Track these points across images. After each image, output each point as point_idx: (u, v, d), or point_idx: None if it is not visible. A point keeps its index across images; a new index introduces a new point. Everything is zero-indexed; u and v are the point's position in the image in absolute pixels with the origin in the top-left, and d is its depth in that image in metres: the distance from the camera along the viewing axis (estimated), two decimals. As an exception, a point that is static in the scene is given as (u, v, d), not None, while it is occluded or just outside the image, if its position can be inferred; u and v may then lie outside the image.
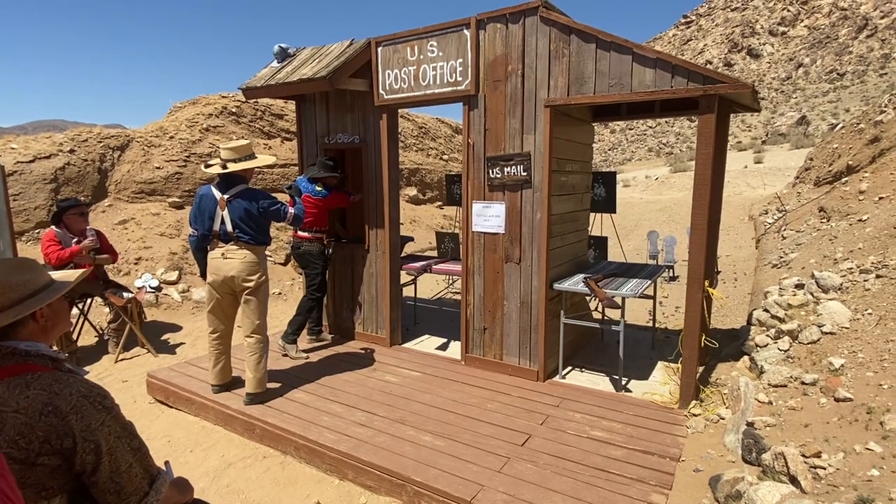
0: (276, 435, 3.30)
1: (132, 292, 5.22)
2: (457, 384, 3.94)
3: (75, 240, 4.77)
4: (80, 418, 1.28)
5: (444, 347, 4.82)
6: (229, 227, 3.46)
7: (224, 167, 3.48)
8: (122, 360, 5.02)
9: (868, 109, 11.21)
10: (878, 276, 3.98)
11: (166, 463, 1.68)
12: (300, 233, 4.54)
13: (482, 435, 3.16)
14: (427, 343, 4.95)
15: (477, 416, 3.41)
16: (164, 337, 5.69)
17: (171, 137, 8.60)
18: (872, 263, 4.30)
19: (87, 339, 5.44)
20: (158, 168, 8.07)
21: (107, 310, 5.23)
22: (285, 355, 4.50)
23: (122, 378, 4.62)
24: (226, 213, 3.46)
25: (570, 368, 4.22)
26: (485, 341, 4.24)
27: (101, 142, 7.82)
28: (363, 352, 4.67)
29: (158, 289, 6.47)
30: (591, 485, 2.63)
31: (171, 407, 4.00)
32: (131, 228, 7.26)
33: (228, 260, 3.50)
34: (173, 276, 6.75)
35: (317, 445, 3.09)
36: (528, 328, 3.99)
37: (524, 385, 3.90)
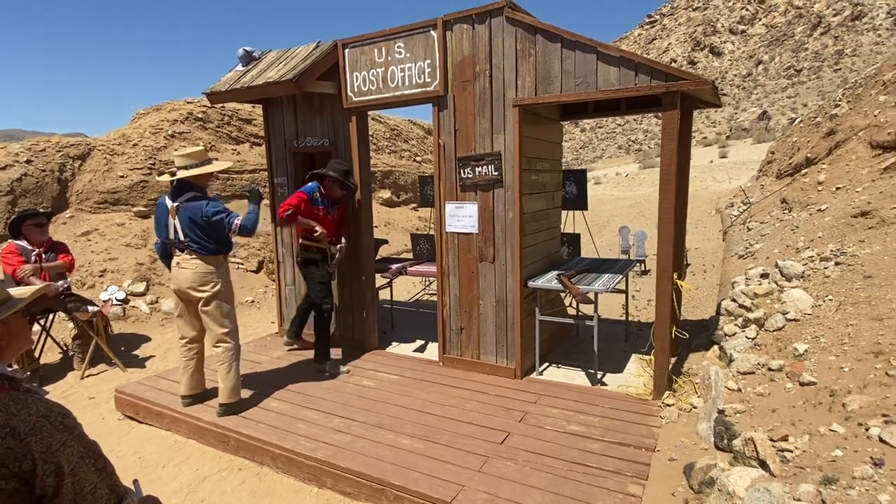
0: (251, 446, 3.24)
1: (97, 305, 5.05)
2: (435, 385, 3.94)
3: (35, 252, 4.59)
4: (40, 439, 1.22)
5: (421, 349, 4.81)
6: (181, 236, 3.43)
7: (173, 175, 3.43)
8: (88, 376, 4.85)
9: (824, 104, 11.65)
10: (836, 264, 4.13)
11: (135, 481, 1.62)
12: (301, 240, 4.22)
13: (461, 435, 3.16)
14: (404, 346, 4.93)
15: (455, 416, 3.41)
16: (133, 350, 5.52)
17: (135, 145, 8.35)
18: (831, 251, 4.47)
19: (50, 356, 5.23)
20: (122, 177, 7.83)
21: (70, 325, 5.04)
22: (325, 373, 4.28)
23: (88, 395, 4.46)
24: (176, 221, 3.42)
25: (546, 365, 4.26)
26: (462, 341, 4.25)
27: (59, 151, 7.55)
28: (339, 357, 4.61)
29: (125, 301, 6.28)
30: (569, 479, 2.66)
31: (142, 422, 3.88)
32: (95, 240, 7.02)
33: (182, 270, 3.47)
34: (141, 287, 6.55)
35: (293, 454, 3.04)
36: (505, 326, 4.01)
37: (502, 383, 3.92)
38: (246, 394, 3.75)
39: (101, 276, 6.55)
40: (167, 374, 4.35)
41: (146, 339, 5.85)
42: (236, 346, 3.59)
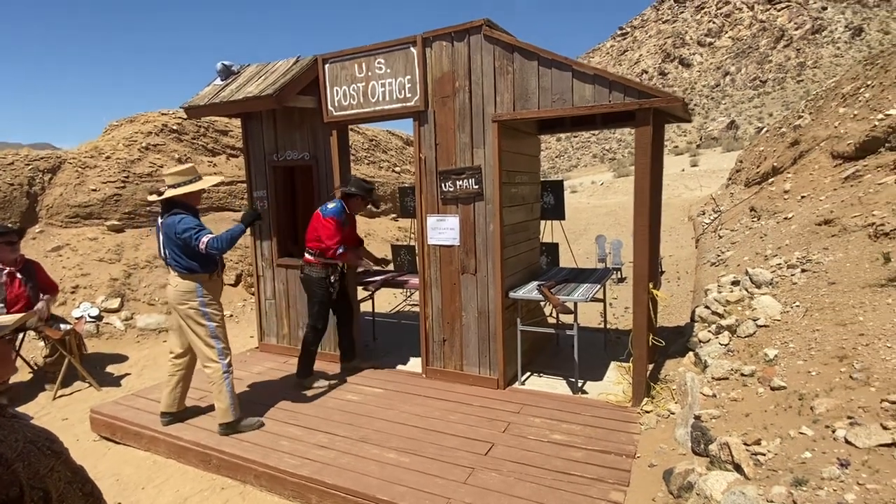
0: (233, 464, 3.20)
1: (70, 323, 4.92)
2: (419, 398, 3.95)
3: (6, 271, 4.47)
4: (27, 465, 1.21)
5: (404, 361, 4.82)
6: (165, 254, 3.44)
7: (160, 194, 3.43)
8: (60, 396, 4.71)
9: (788, 114, 12.15)
10: (803, 271, 4.31)
11: (118, 504, 1.61)
12: (305, 255, 4.13)
13: (446, 447, 3.18)
14: (387, 358, 4.93)
15: (440, 428, 3.44)
16: (108, 369, 5.39)
17: (108, 158, 8.18)
18: (798, 259, 4.66)
19: (20, 376, 5.07)
20: (95, 190, 7.66)
21: (42, 344, 4.90)
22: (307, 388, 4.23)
23: (61, 416, 4.34)
24: (161, 238, 3.46)
25: (528, 374, 4.31)
26: (445, 353, 4.28)
27: (28, 164, 7.35)
28: (322, 371, 4.59)
29: (99, 318, 6.13)
30: (553, 488, 2.71)
31: (119, 443, 3.80)
32: (66, 255, 6.84)
33: (167, 287, 3.50)
34: (115, 303, 6.40)
35: (277, 472, 3.02)
36: (487, 337, 4.06)
37: (485, 394, 3.96)
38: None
39: (73, 292, 6.38)
40: (144, 392, 4.27)
41: (122, 357, 5.71)
42: (226, 364, 3.51)
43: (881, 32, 58.37)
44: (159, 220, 3.47)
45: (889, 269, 3.64)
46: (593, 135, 63.52)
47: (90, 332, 5.86)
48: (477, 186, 3.92)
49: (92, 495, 1.38)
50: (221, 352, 3.50)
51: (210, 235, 3.29)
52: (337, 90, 4.35)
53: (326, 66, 4.35)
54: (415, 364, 4.67)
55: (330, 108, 4.41)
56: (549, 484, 2.74)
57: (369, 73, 4.18)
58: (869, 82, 7.70)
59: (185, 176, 3.40)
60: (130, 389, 4.73)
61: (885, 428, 2.16)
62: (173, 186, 3.38)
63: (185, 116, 8.57)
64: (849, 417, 2.35)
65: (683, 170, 24.91)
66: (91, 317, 6.02)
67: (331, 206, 4.06)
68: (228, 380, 3.51)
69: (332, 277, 4.15)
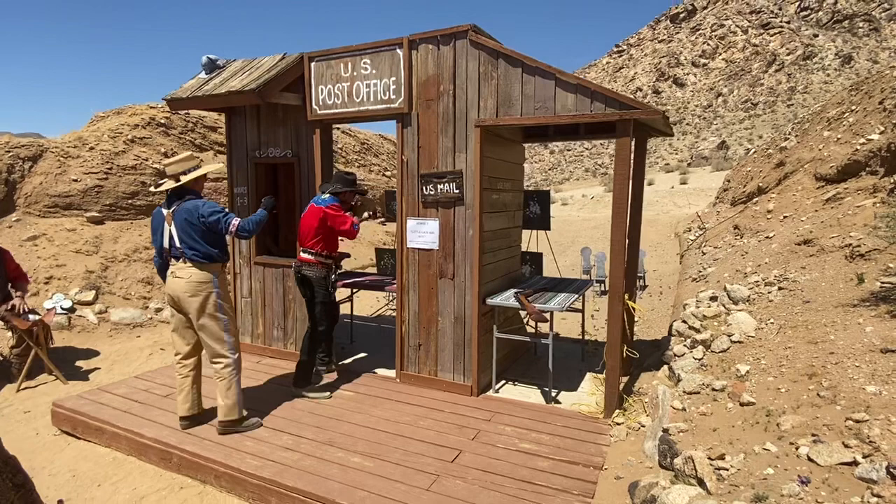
0: (194, 463, 3.12)
1: (39, 314, 4.81)
2: (390, 402, 3.90)
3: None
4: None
5: (379, 365, 4.76)
6: (177, 243, 3.28)
7: (177, 180, 3.29)
8: (25, 388, 4.59)
9: (776, 137, 12.32)
10: (779, 289, 4.33)
11: (59, 502, 1.55)
12: (301, 254, 3.99)
13: (412, 453, 3.13)
14: (362, 361, 4.87)
15: (409, 434, 3.38)
16: (78, 363, 5.26)
17: (92, 148, 8.07)
18: (775, 276, 4.69)
19: (-16, 366, 4.94)
20: (76, 180, 7.54)
21: (9, 334, 4.78)
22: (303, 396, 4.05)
23: (24, 408, 4.23)
24: (172, 227, 3.28)
25: (503, 382, 4.28)
26: (419, 358, 4.23)
27: (9, 151, 7.23)
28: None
29: (72, 310, 6.00)
30: (517, 497, 2.66)
31: (80, 438, 3.69)
32: (42, 245, 6.71)
33: (176, 279, 3.29)
34: (89, 296, 6.28)
35: (238, 472, 2.94)
36: (462, 343, 4.02)
37: (458, 400, 3.91)
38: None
39: (46, 283, 6.25)
40: (110, 387, 4.17)
41: (93, 351, 5.59)
42: (236, 360, 3.41)
43: (870, 62, 59.72)
44: (164, 211, 3.32)
45: (862, 289, 3.67)
46: (586, 149, 64.10)
47: (61, 325, 5.73)
48: (458, 191, 3.90)
49: (24, 487, 1.32)
50: (232, 347, 3.40)
51: (239, 218, 3.35)
52: (322, 89, 4.32)
53: (312, 64, 4.33)
54: (389, 368, 4.62)
55: (314, 106, 4.37)
56: (514, 493, 2.70)
57: (355, 73, 4.16)
58: (853, 107, 7.82)
59: (190, 162, 3.34)
60: (98, 384, 4.62)
61: (846, 446, 2.15)
62: (183, 173, 3.29)
63: (171, 111, 8.45)
64: (813, 435, 2.34)
65: (673, 187, 25.17)
66: (63, 309, 5.90)
67: (325, 196, 3.92)
68: (237, 376, 3.41)
69: (332, 276, 4.04)
